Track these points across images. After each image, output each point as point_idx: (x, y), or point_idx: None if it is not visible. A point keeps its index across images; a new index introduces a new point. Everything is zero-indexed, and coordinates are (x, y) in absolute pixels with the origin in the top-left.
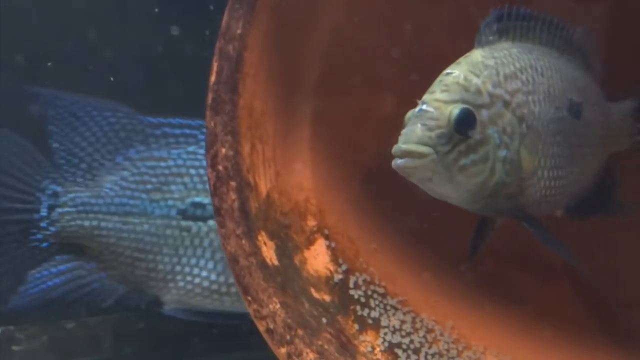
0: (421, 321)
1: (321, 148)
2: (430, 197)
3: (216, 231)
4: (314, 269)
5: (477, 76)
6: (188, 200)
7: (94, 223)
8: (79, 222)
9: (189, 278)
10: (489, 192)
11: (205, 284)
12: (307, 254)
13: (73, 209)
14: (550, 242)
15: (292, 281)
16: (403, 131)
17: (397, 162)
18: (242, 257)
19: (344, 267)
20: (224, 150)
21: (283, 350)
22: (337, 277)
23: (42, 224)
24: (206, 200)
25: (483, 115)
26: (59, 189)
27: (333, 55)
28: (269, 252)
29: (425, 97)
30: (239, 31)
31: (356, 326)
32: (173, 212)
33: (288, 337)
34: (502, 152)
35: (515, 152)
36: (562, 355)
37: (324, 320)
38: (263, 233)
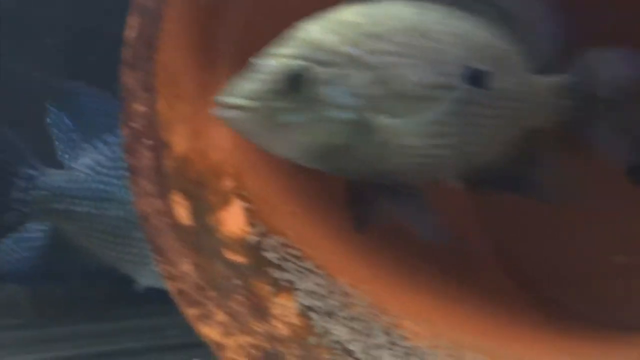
0: (337, 285)
1: None
2: None
3: None
4: (229, 230)
5: (332, 33)
6: None
7: (68, 207)
8: (53, 205)
9: None
10: (330, 153)
11: None
12: (222, 215)
13: (47, 192)
14: (408, 212)
15: (206, 242)
16: (231, 81)
17: (217, 112)
18: (154, 216)
19: (259, 229)
20: (139, 107)
21: (193, 311)
22: (253, 239)
23: (17, 207)
24: None
25: (325, 73)
26: (33, 172)
27: (258, 10)
28: (183, 212)
29: (270, 49)
30: None
31: (270, 289)
32: None
33: (199, 298)
34: (342, 114)
35: (361, 114)
36: (483, 324)
37: (237, 282)
38: (177, 193)
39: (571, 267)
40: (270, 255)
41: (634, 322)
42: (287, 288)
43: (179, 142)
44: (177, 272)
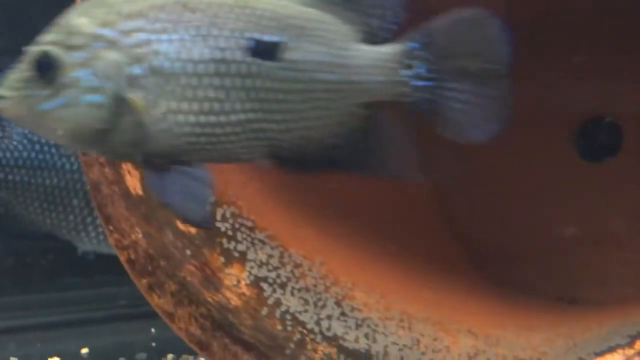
0: (289, 256)
1: None
2: None
3: None
4: None
5: (82, 16)
6: None
7: (3, 176)
8: None
9: (99, 229)
10: (89, 138)
11: None
12: None
13: None
14: (184, 191)
15: (157, 212)
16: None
17: None
18: (104, 185)
19: (211, 199)
20: None
21: (144, 281)
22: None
23: None
24: None
25: (74, 57)
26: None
27: None
28: (133, 181)
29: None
30: None
31: (222, 259)
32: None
33: (149, 267)
34: (93, 97)
35: (113, 96)
36: (435, 296)
37: (188, 252)
38: (127, 162)
39: (524, 243)
40: (221, 226)
41: (585, 295)
42: (238, 259)
43: None
44: (128, 242)
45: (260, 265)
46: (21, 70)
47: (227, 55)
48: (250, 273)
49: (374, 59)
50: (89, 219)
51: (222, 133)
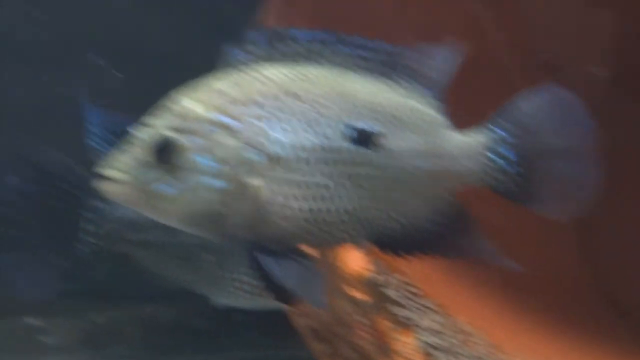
0: (455, 323)
1: None
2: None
3: None
4: (351, 268)
5: (197, 101)
6: None
7: (138, 236)
8: (122, 235)
9: (234, 283)
10: (207, 221)
11: (248, 287)
12: (344, 253)
13: (116, 224)
14: (295, 277)
15: (330, 280)
16: (114, 153)
17: (96, 184)
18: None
19: (380, 267)
20: None
21: (321, 347)
22: (374, 277)
23: (86, 238)
24: None
25: (194, 142)
26: (102, 205)
27: None
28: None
29: (144, 121)
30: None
31: (391, 325)
32: None
33: (325, 333)
34: (214, 181)
35: (235, 182)
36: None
37: (359, 318)
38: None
39: None
40: (391, 293)
41: None
42: (407, 325)
43: None
44: (304, 309)
45: (429, 331)
46: (134, 153)
47: (331, 142)
48: (419, 339)
49: (465, 147)
50: (222, 273)
51: (326, 219)
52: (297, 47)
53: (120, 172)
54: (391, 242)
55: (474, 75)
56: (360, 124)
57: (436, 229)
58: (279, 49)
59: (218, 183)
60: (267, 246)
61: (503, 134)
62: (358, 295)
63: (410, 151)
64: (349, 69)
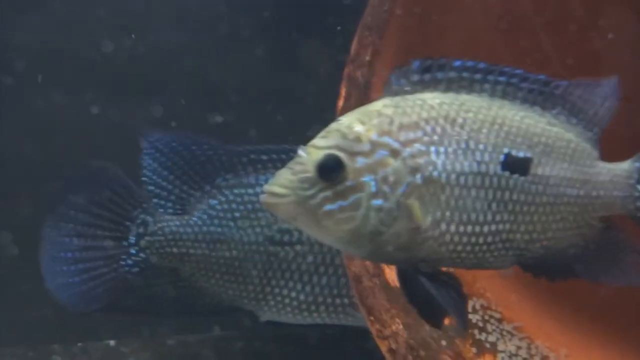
0: (536, 347)
1: None
2: None
3: (302, 255)
4: None
5: (363, 124)
6: (275, 227)
7: (183, 250)
8: (168, 249)
9: (278, 298)
10: (367, 239)
11: (294, 303)
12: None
13: (162, 237)
14: (444, 298)
15: None
16: (280, 171)
17: (261, 197)
18: (366, 278)
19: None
20: None
21: None
22: None
23: (132, 251)
24: (293, 226)
25: (358, 162)
26: (148, 218)
27: None
28: (391, 274)
29: (311, 141)
30: (367, 58)
31: (474, 350)
32: (260, 238)
33: (410, 357)
34: (378, 201)
35: (396, 202)
36: None
37: (443, 342)
38: (392, 265)
39: None
40: (472, 317)
41: None
42: (489, 349)
43: None
44: (389, 332)
45: (510, 356)
46: (298, 172)
47: (486, 168)
48: None
49: (613, 176)
50: (268, 289)
51: (478, 242)
52: (455, 75)
53: (284, 188)
54: (535, 266)
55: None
56: (515, 152)
57: (581, 253)
58: (438, 77)
59: (383, 203)
60: (419, 267)
61: None
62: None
63: (559, 178)
64: (505, 98)
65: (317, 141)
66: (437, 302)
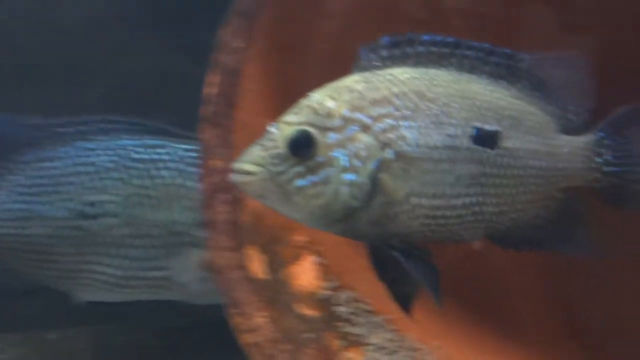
0: (407, 340)
1: None
2: None
3: (115, 228)
4: (301, 284)
5: (334, 99)
6: (84, 199)
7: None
8: None
9: (93, 276)
10: (338, 215)
11: (110, 280)
12: (295, 269)
13: None
14: (418, 273)
15: (279, 296)
16: (250, 147)
17: (231, 177)
18: (231, 270)
19: (331, 283)
20: (218, 163)
21: None
22: (324, 293)
23: None
24: (103, 197)
25: (330, 138)
26: None
27: (333, 71)
28: (258, 266)
29: (281, 117)
30: (240, 45)
31: (341, 343)
32: (69, 213)
33: (274, 351)
34: (349, 176)
35: (368, 176)
36: None
37: (309, 335)
38: (253, 247)
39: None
40: (341, 310)
41: None
42: (357, 342)
43: None
44: (253, 325)
45: (379, 349)
46: (268, 148)
47: (457, 142)
48: (368, 357)
49: (574, 148)
50: (82, 266)
51: (449, 215)
52: (423, 50)
53: (255, 165)
54: (502, 238)
55: None
56: (484, 126)
57: (544, 225)
58: (407, 52)
59: (355, 177)
60: (392, 243)
61: (604, 136)
62: (308, 312)
63: (526, 150)
64: (473, 72)
65: (288, 117)
66: (410, 280)
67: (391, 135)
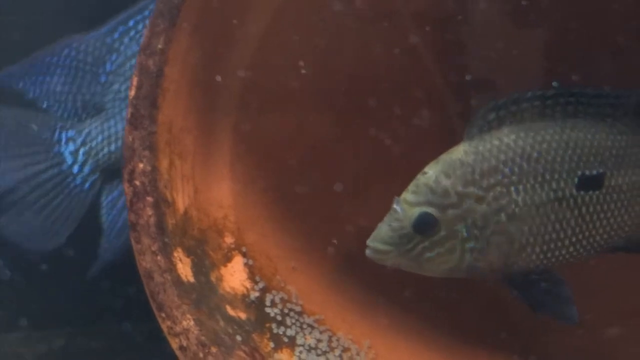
0: (337, 340)
1: (243, 166)
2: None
3: None
4: (230, 286)
5: (449, 177)
6: None
7: (120, 143)
8: (106, 149)
9: None
10: (463, 271)
11: None
12: (223, 271)
13: (94, 142)
14: (539, 307)
15: (208, 298)
16: (380, 227)
17: (367, 252)
18: (157, 273)
19: (261, 285)
20: (141, 165)
21: None
22: (254, 294)
23: (74, 169)
24: None
25: (449, 214)
26: (71, 133)
27: (256, 73)
28: (185, 269)
29: (401, 196)
30: (160, 46)
31: (271, 344)
32: None
33: (201, 354)
34: (470, 244)
35: (486, 240)
36: None
37: (238, 337)
38: (179, 249)
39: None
40: (271, 311)
41: None
42: (287, 343)
43: (180, 199)
44: (179, 329)
45: (309, 349)
46: (396, 229)
47: (562, 194)
48: (299, 358)
49: None
50: None
51: (561, 253)
52: (528, 105)
53: (386, 244)
54: (616, 249)
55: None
56: (588, 172)
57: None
58: (513, 111)
59: (472, 245)
60: (515, 278)
61: None
62: (238, 313)
63: (633, 182)
64: (577, 116)
65: (409, 197)
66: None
67: (502, 202)
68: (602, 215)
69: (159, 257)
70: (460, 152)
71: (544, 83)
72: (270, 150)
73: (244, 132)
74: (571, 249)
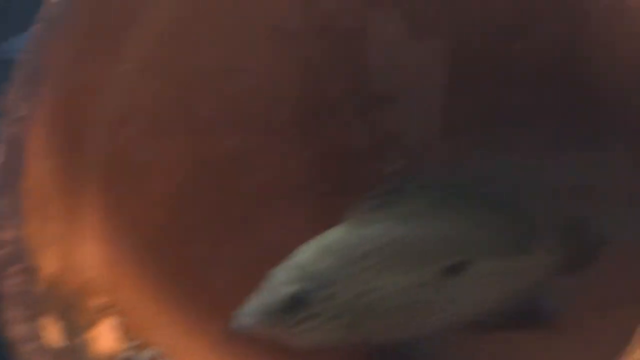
0: None
1: (113, 225)
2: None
3: None
4: (100, 348)
5: (323, 258)
6: None
7: None
8: None
9: None
10: (335, 344)
11: None
12: (95, 332)
13: None
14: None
15: None
16: (249, 300)
17: (232, 324)
18: (25, 341)
19: (134, 343)
20: (7, 234)
21: None
22: (127, 353)
23: None
24: None
25: (320, 294)
26: None
27: (123, 132)
28: (54, 334)
29: (273, 272)
30: (23, 112)
31: None
32: None
33: None
34: (335, 323)
35: (351, 320)
36: None
37: None
38: (48, 315)
39: None
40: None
41: None
42: None
43: (49, 263)
44: None
45: None
46: (265, 304)
47: (427, 278)
48: None
49: (532, 265)
50: None
51: (424, 327)
52: (406, 196)
53: (252, 318)
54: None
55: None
56: (451, 260)
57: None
58: (392, 200)
59: (339, 323)
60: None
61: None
62: None
63: (492, 270)
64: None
65: (281, 274)
66: None
67: (372, 284)
68: (463, 296)
69: (27, 326)
70: (337, 234)
71: (444, 97)
72: (143, 207)
73: (115, 191)
74: (437, 323)
